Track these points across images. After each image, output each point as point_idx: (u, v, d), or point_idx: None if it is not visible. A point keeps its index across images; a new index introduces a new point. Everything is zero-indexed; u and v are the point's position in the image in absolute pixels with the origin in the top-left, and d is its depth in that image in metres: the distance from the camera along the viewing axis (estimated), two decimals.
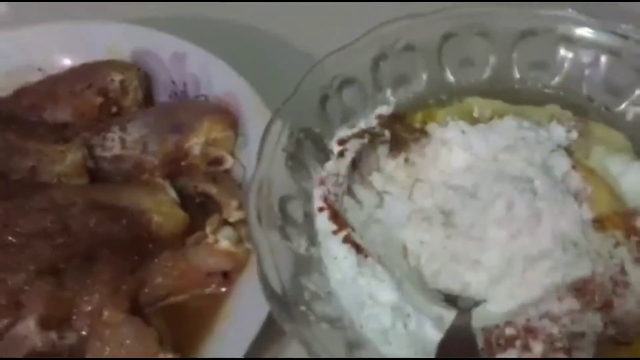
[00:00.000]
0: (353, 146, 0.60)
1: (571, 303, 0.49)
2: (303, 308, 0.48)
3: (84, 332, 0.54)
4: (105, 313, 0.54)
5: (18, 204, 0.57)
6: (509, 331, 0.49)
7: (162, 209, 0.60)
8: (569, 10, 0.62)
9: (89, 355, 0.53)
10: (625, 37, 0.60)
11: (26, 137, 0.63)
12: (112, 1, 0.84)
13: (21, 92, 0.69)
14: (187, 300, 0.59)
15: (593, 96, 0.63)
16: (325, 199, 0.57)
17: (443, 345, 0.48)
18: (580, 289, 0.50)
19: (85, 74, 0.68)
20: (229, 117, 0.66)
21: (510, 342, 0.48)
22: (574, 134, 0.60)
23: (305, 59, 0.73)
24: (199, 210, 0.63)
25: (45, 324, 0.53)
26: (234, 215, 0.60)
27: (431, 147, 0.62)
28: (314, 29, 0.77)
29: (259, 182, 0.54)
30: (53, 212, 0.57)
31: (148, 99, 0.72)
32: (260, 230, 0.51)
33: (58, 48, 0.73)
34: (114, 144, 0.64)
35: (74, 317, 0.54)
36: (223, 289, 0.59)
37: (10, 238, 0.55)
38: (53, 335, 0.53)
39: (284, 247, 0.52)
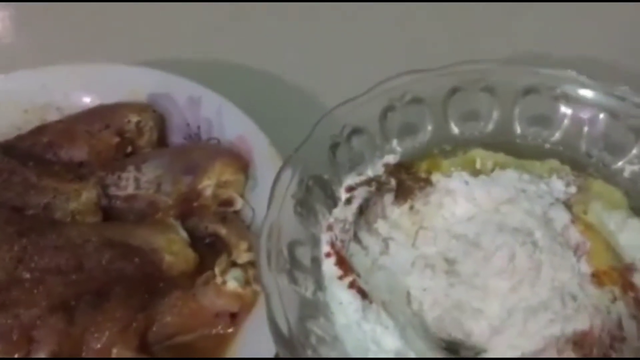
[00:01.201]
0: (360, 193, 0.62)
1: (570, 355, 0.50)
2: (310, 352, 0.50)
3: None
4: (114, 351, 0.55)
5: (34, 240, 0.59)
6: None
7: (173, 248, 0.62)
8: (569, 71, 0.65)
9: None
10: (622, 99, 0.63)
11: (43, 174, 0.66)
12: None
13: (40, 130, 0.71)
14: (194, 340, 0.60)
15: (591, 152, 0.65)
16: (333, 245, 0.59)
17: None
18: (578, 342, 0.51)
19: (103, 115, 0.70)
20: (240, 161, 0.68)
21: None
22: (573, 188, 0.62)
23: (316, 107, 0.76)
24: (208, 250, 0.65)
25: None
26: (243, 257, 0.62)
27: (435, 196, 0.64)
28: (326, 78, 0.80)
29: (269, 227, 0.56)
30: (68, 250, 0.58)
31: (162, 140, 0.75)
32: (270, 274, 0.53)
33: (77, 88, 0.76)
34: (129, 183, 0.67)
35: (84, 354, 0.55)
36: (230, 330, 0.60)
37: (24, 274, 0.57)
38: None
39: (292, 290, 0.54)
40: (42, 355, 0.54)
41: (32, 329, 0.55)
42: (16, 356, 0.54)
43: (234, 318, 0.60)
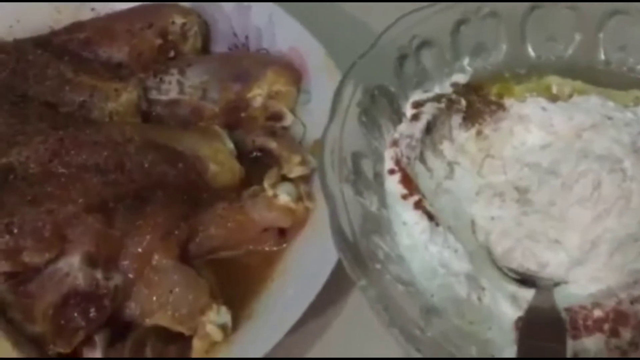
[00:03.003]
0: (429, 110, 0.56)
1: None
2: (378, 266, 0.45)
3: (130, 275, 0.50)
4: (155, 257, 0.50)
5: (71, 134, 0.54)
6: (597, 313, 0.45)
7: (219, 158, 0.57)
8: None
9: (133, 301, 0.50)
10: None
11: (80, 70, 0.60)
12: None
13: (76, 26, 0.65)
14: (237, 256, 0.55)
15: None
16: (398, 162, 0.53)
17: (526, 324, 0.44)
18: None
19: (146, 14, 0.65)
20: (294, 71, 0.62)
21: (597, 324, 0.45)
22: None
23: (377, 25, 0.69)
24: (253, 165, 0.60)
25: (90, 262, 0.49)
26: (295, 171, 0.57)
27: (507, 122, 0.59)
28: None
29: (333, 134, 0.50)
30: (108, 147, 0.53)
31: (205, 49, 0.69)
32: (335, 181, 0.48)
33: None
34: (171, 87, 0.61)
35: (122, 258, 0.50)
36: (277, 248, 0.55)
37: (60, 168, 0.52)
38: (98, 274, 0.49)
39: (356, 202, 0.48)
40: (76, 256, 0.49)
41: (67, 227, 0.50)
42: (47, 255, 0.49)
43: (282, 235, 0.55)
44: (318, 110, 0.61)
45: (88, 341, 0.49)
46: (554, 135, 0.58)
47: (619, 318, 0.45)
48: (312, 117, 0.62)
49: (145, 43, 0.63)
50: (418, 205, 0.52)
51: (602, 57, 0.61)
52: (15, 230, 0.48)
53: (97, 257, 0.49)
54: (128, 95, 0.59)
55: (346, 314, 0.56)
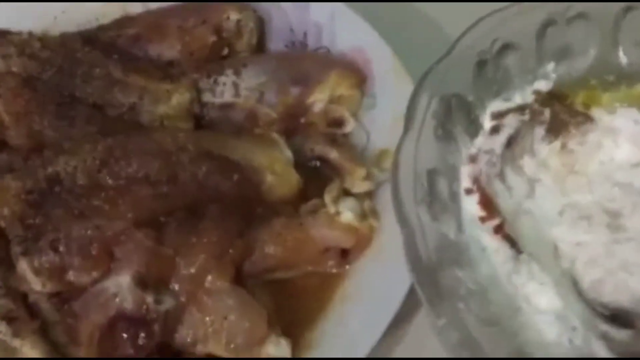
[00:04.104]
0: (511, 122, 0.51)
1: None
2: (461, 305, 0.40)
3: (182, 298, 0.46)
4: (209, 279, 0.46)
5: (120, 142, 0.50)
6: None
7: (276, 168, 0.52)
8: None
9: (184, 327, 0.46)
10: None
11: (129, 69, 0.56)
12: None
13: (126, 21, 0.61)
14: (294, 278, 0.51)
15: None
16: (476, 180, 0.48)
17: None
18: None
19: (200, 9, 0.60)
20: (359, 74, 0.57)
21: None
22: None
23: (446, 28, 0.63)
24: (311, 175, 0.56)
25: (141, 283, 0.45)
26: (360, 186, 0.52)
27: (595, 135, 0.53)
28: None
29: (408, 150, 0.45)
30: (160, 157, 0.49)
31: (259, 46, 0.64)
32: (411, 204, 0.43)
33: None
34: (226, 89, 0.57)
35: (173, 280, 0.46)
36: (338, 270, 0.51)
37: (109, 180, 0.48)
38: (149, 297, 0.45)
39: (434, 228, 0.44)
40: (125, 276, 0.45)
41: (115, 244, 0.46)
42: (93, 275, 0.46)
43: (344, 256, 0.51)
44: (383, 116, 0.56)
45: None
46: None
47: None
48: (376, 124, 0.57)
49: (198, 40, 0.59)
50: (498, 229, 0.47)
51: None
52: (61, 248, 0.45)
53: (148, 278, 0.45)
54: (180, 98, 0.55)
55: (410, 341, 0.51)
